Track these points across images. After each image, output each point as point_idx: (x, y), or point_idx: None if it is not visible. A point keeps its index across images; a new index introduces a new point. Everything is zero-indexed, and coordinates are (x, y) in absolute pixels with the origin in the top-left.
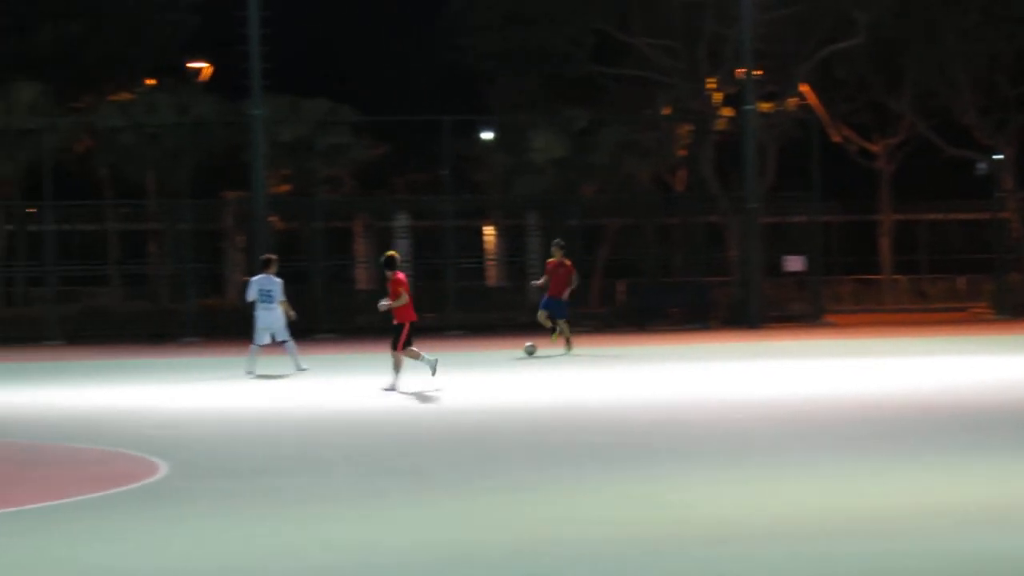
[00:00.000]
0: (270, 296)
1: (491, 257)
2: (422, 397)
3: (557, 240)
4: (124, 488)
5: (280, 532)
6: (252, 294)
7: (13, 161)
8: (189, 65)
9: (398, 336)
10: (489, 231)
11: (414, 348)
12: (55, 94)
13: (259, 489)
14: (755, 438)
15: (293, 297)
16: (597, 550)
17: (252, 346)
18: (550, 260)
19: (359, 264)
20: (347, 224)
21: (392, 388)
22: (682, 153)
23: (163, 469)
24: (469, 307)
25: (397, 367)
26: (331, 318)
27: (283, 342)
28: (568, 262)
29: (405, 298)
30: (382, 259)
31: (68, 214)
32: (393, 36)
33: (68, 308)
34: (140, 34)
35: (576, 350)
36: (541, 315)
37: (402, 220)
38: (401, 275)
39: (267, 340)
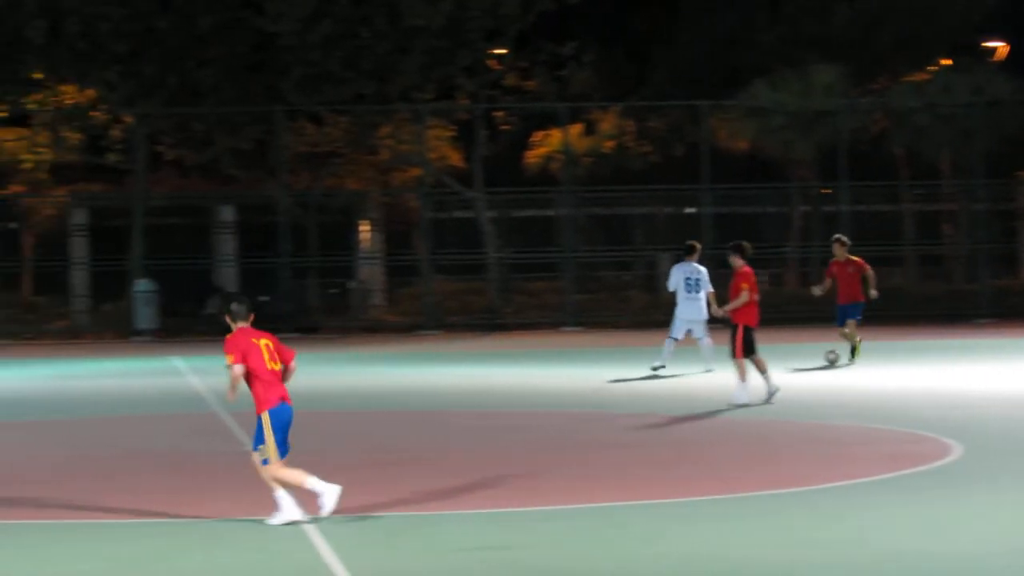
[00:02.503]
0: (697, 285)
1: None
2: None
3: (838, 236)
4: (917, 469)
5: None
6: (675, 283)
7: (809, 142)
8: (984, 44)
9: (733, 340)
10: None
11: (760, 358)
12: (851, 75)
13: None
14: None
15: None
16: None
17: (668, 339)
18: (834, 260)
19: None
20: None
21: (744, 402)
22: None
23: (957, 451)
24: None
25: (741, 375)
26: None
27: (700, 339)
28: (858, 259)
29: (746, 296)
30: (730, 245)
31: (863, 195)
32: None
33: None
34: (935, 14)
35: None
36: (848, 329)
37: None
38: (748, 269)
39: (682, 335)
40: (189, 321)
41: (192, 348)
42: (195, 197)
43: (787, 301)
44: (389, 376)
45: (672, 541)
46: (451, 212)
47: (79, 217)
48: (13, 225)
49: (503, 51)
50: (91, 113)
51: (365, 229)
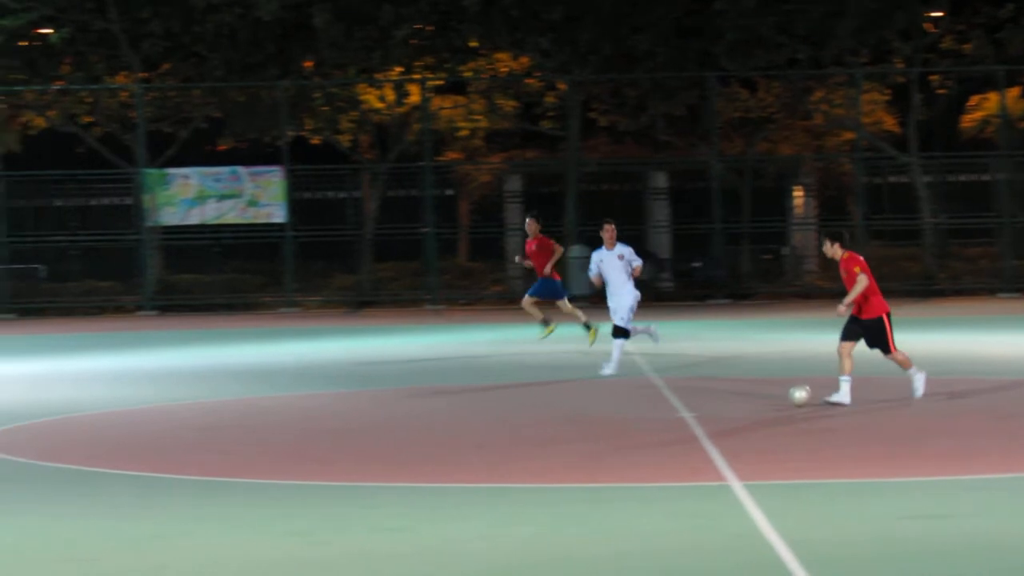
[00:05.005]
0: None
1: None
2: None
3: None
4: None
5: None
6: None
7: None
8: None
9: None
10: None
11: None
12: None
13: None
14: None
15: None
16: None
17: None
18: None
19: None
20: None
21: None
22: None
23: None
24: None
25: (903, 365)
26: None
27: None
28: (547, 240)
29: (864, 281)
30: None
31: None
32: None
33: None
34: None
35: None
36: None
37: None
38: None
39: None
40: None
41: None
42: (628, 163)
43: None
44: (822, 343)
45: None
46: (885, 177)
47: (513, 183)
48: (450, 192)
49: (939, 14)
50: (526, 80)
51: (798, 194)
